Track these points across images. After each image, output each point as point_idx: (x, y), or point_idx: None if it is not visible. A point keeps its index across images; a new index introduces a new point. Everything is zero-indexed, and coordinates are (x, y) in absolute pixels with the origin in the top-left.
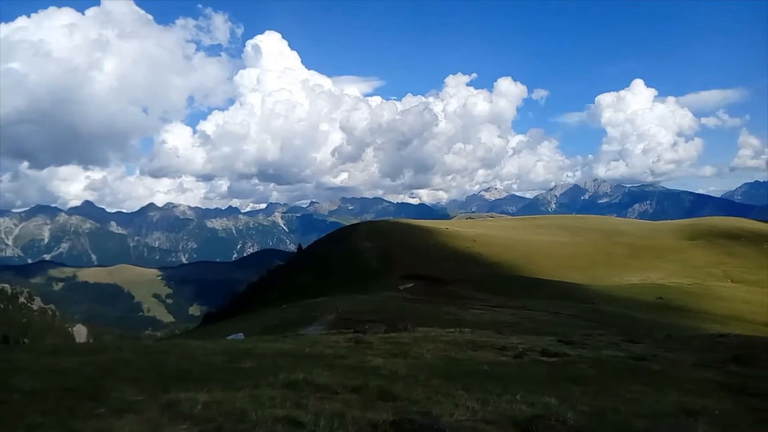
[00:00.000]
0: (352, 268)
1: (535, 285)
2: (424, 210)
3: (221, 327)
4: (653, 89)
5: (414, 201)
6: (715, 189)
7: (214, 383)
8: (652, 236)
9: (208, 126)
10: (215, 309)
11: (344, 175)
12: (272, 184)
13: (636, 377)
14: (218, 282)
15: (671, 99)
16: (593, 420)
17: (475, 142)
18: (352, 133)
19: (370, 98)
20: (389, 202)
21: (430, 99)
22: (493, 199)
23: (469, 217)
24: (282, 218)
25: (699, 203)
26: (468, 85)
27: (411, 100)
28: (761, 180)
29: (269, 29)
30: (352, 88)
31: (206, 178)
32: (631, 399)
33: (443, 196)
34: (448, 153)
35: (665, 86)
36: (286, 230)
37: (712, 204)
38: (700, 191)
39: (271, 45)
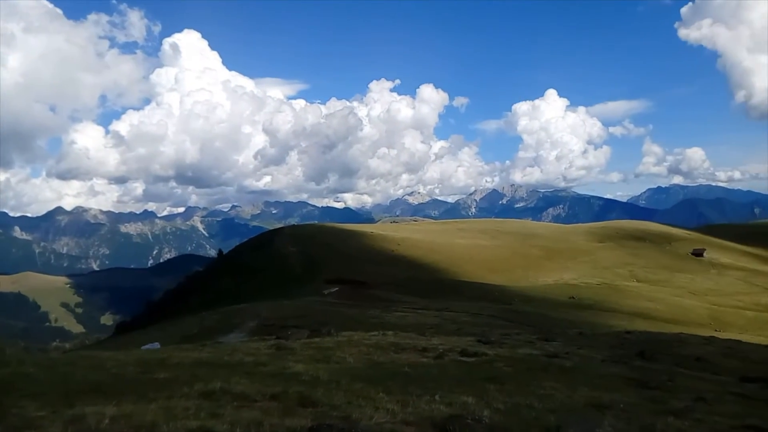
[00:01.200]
0: (275, 273)
1: (457, 287)
2: (349, 214)
3: (135, 337)
4: (565, 99)
5: (339, 205)
6: (621, 194)
7: (124, 396)
8: (564, 239)
9: (121, 126)
10: (129, 318)
11: (267, 179)
12: (191, 188)
13: (549, 374)
14: (133, 289)
15: (582, 109)
16: (508, 417)
17: (399, 147)
18: (276, 136)
19: (294, 101)
20: (314, 206)
21: (355, 103)
22: (416, 203)
23: (394, 221)
24: (201, 222)
25: (607, 207)
26: (392, 90)
27: (336, 104)
28: (663, 186)
29: (188, 28)
30: (276, 90)
31: (120, 180)
32: (544, 395)
33: (368, 200)
34: (372, 157)
35: (576, 96)
36: (206, 235)
37: (619, 208)
38: (608, 196)
39: (190, 44)
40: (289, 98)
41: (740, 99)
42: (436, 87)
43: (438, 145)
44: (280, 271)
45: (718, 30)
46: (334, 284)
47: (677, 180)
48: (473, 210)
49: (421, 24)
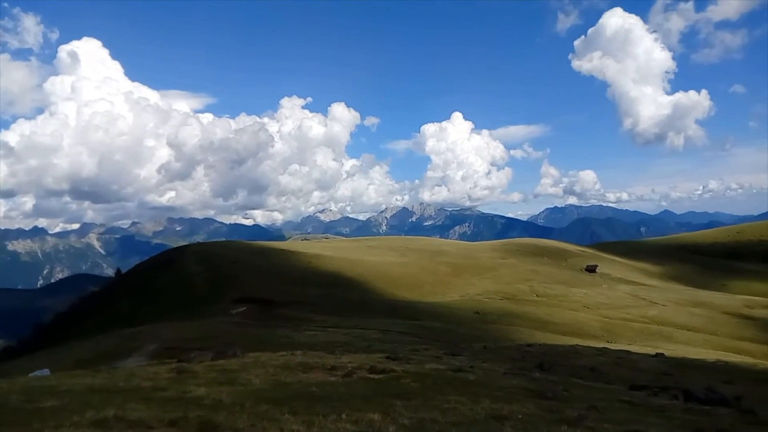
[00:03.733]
0: (179, 293)
1: (368, 304)
2: (259, 231)
3: (22, 363)
4: (470, 122)
5: (248, 222)
6: (522, 213)
7: (5, 428)
8: (470, 256)
9: (11, 136)
10: (15, 342)
11: (171, 194)
12: (87, 203)
13: (454, 388)
14: (20, 312)
15: (485, 132)
16: None
17: (310, 164)
18: (182, 150)
19: (201, 115)
20: (221, 222)
21: (266, 119)
22: (328, 220)
23: (305, 239)
24: (98, 240)
25: (509, 226)
26: (303, 107)
27: (245, 120)
28: (559, 206)
29: (88, 35)
30: (182, 103)
31: (7, 194)
32: (448, 409)
33: (278, 217)
34: (283, 174)
35: (480, 120)
36: (103, 253)
37: (519, 226)
38: (510, 215)
39: (89, 52)
40: (196, 112)
41: (627, 126)
42: (348, 106)
43: (350, 163)
44: (184, 291)
45: (608, 62)
46: (242, 304)
47: (572, 200)
48: (384, 227)
49: (334, 43)
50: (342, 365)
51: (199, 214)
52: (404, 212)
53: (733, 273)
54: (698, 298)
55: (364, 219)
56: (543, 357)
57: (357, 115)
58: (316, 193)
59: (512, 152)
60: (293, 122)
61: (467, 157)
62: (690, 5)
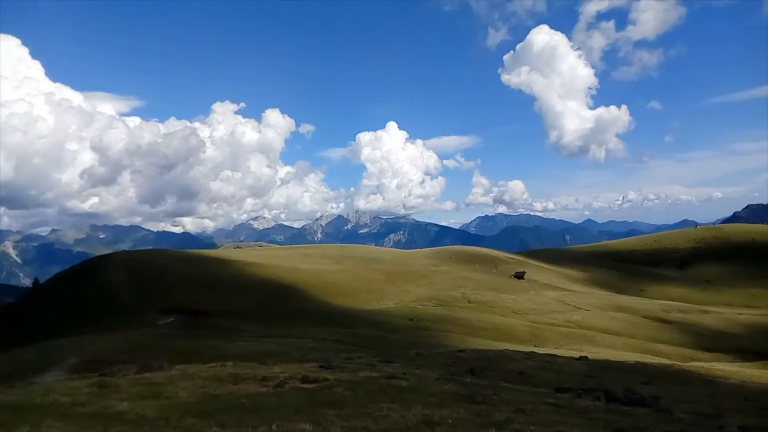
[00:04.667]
0: (102, 304)
1: (303, 313)
2: (188, 239)
3: None
4: (405, 132)
5: (177, 229)
6: (454, 221)
7: None
8: (405, 263)
9: None
10: None
11: (95, 200)
12: (3, 208)
13: (387, 395)
14: None
15: (420, 141)
16: None
17: (243, 171)
18: (106, 154)
19: (128, 118)
20: (148, 230)
21: (197, 124)
22: (261, 228)
23: (237, 247)
24: (14, 248)
25: (442, 234)
26: (237, 113)
27: (175, 124)
28: (490, 214)
29: (6, 33)
30: (107, 105)
31: None
32: (381, 416)
33: (209, 225)
34: (215, 180)
35: (415, 130)
36: (19, 262)
37: (452, 234)
38: (443, 223)
39: (7, 50)
40: (123, 115)
41: (553, 139)
42: (283, 112)
43: (284, 170)
44: (108, 301)
45: (535, 77)
46: (170, 314)
47: (502, 209)
48: (319, 235)
49: (268, 49)
50: (274, 375)
51: (124, 221)
52: (340, 220)
53: (650, 279)
54: (619, 303)
55: (299, 227)
56: (474, 362)
57: (292, 121)
58: (249, 200)
59: (445, 162)
60: (226, 127)
61: (402, 166)
62: (611, 24)
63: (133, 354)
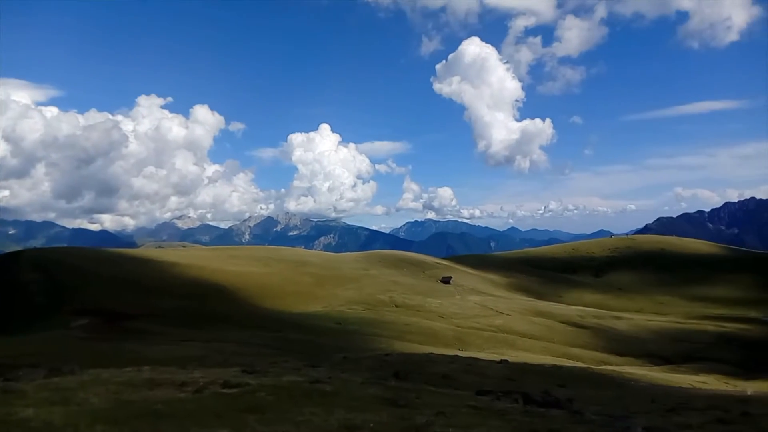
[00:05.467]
0: (11, 304)
1: (228, 316)
2: (107, 237)
3: None
4: (338, 134)
5: (94, 227)
6: (385, 226)
7: None
8: (334, 267)
9: None
10: None
11: (5, 193)
12: None
13: (310, 399)
14: None
15: (352, 145)
16: None
17: (168, 168)
18: (19, 145)
19: (44, 107)
20: (63, 227)
21: (120, 117)
22: (186, 227)
23: (159, 246)
24: None
25: (372, 238)
26: (163, 107)
27: (96, 116)
28: (419, 220)
29: None
30: (22, 93)
31: None
32: (302, 421)
33: (130, 223)
34: (137, 176)
35: (348, 133)
36: None
37: (382, 239)
38: (374, 227)
39: None
40: (39, 104)
41: (481, 148)
42: (212, 109)
43: (212, 169)
44: (17, 301)
45: (465, 87)
46: (85, 316)
47: (431, 215)
48: (247, 237)
49: (199, 43)
50: (193, 380)
51: (37, 217)
52: (269, 221)
53: (568, 285)
54: (538, 308)
55: (226, 227)
56: (399, 366)
57: (221, 119)
58: (173, 199)
59: (377, 167)
60: (151, 122)
61: (334, 169)
62: (538, 40)
63: (41, 358)
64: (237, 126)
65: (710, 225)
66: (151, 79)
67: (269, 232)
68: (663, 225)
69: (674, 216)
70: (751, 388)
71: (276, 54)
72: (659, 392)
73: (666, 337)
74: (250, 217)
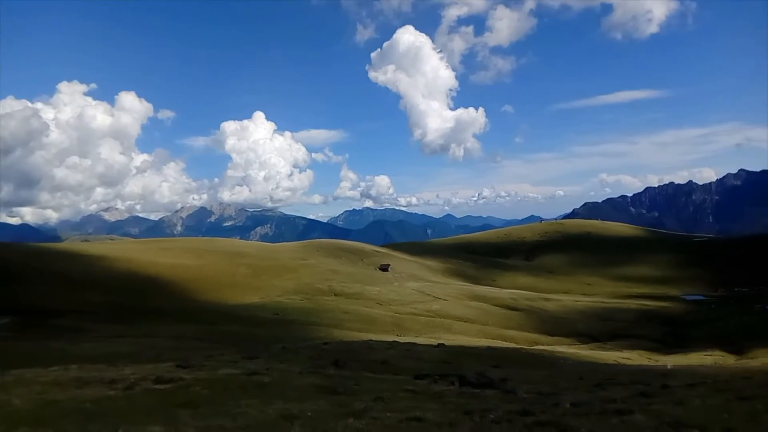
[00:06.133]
0: None
1: (161, 310)
2: (28, 231)
3: None
4: (273, 123)
5: (14, 220)
6: (322, 215)
7: None
8: (271, 257)
9: None
10: None
11: None
12: None
13: (247, 392)
14: None
15: (288, 134)
16: None
17: (93, 157)
18: None
19: None
20: None
21: (39, 105)
22: (113, 220)
23: (85, 240)
24: None
25: (310, 227)
26: (86, 94)
27: (13, 104)
28: (357, 208)
29: None
30: None
31: None
32: (239, 413)
33: (53, 216)
34: (60, 167)
35: (283, 122)
36: None
37: (320, 228)
38: (311, 217)
39: None
40: None
41: (417, 136)
42: (139, 96)
43: (140, 158)
44: None
45: (400, 76)
46: (6, 315)
47: (368, 203)
48: (179, 228)
49: (123, 26)
50: (124, 377)
51: None
52: (202, 212)
53: (501, 269)
54: (473, 292)
55: (157, 219)
56: (338, 354)
57: (149, 106)
58: (99, 190)
59: (314, 155)
60: (73, 110)
61: (269, 158)
62: (470, 29)
63: None
64: (166, 114)
65: (632, 209)
66: (73, 64)
67: (203, 223)
68: (589, 210)
69: (599, 201)
70: (670, 362)
71: (207, 39)
72: (586, 369)
73: (593, 317)
74: (182, 207)
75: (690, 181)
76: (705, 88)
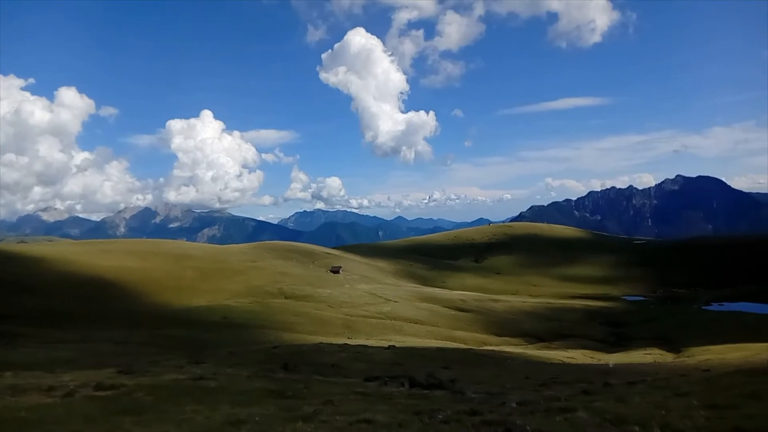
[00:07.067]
0: None
1: (102, 314)
2: None
3: None
4: (221, 122)
5: None
6: (273, 216)
7: None
8: (219, 259)
9: None
10: None
11: None
12: None
13: (193, 397)
14: None
15: (237, 133)
16: None
17: (31, 155)
18: None
19: None
20: None
21: None
22: (52, 220)
23: (22, 241)
24: None
25: (260, 229)
26: (23, 89)
27: None
28: (308, 210)
29: None
30: None
31: None
32: (184, 420)
33: None
34: None
35: (232, 121)
36: None
37: (270, 230)
38: (261, 218)
39: None
40: None
41: (369, 139)
42: (81, 92)
43: (81, 156)
44: None
45: (352, 78)
46: None
47: (319, 205)
48: (123, 229)
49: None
50: (62, 384)
51: None
52: (147, 213)
53: (451, 271)
54: (424, 294)
55: (98, 219)
56: (288, 357)
57: (91, 102)
58: (37, 189)
59: (264, 156)
60: (10, 105)
61: (218, 158)
62: (420, 33)
63: None
64: (109, 111)
65: (576, 212)
66: (9, 57)
67: (147, 224)
68: (535, 213)
69: (545, 204)
70: (612, 361)
71: (153, 35)
72: (533, 369)
73: (539, 317)
74: (125, 208)
75: (630, 186)
76: (644, 96)
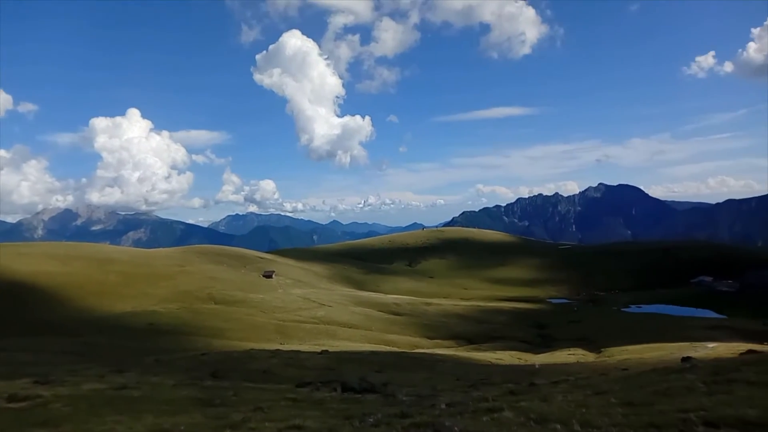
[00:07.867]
0: None
1: (16, 321)
2: None
3: None
4: (149, 121)
5: None
6: (203, 219)
7: None
8: (145, 264)
9: None
10: None
11: None
12: None
13: (114, 408)
14: None
15: (166, 133)
16: None
17: None
18: None
19: None
20: None
21: None
22: None
23: None
24: None
25: (189, 232)
26: None
27: None
28: (241, 213)
29: None
30: None
31: None
32: (105, 431)
33: None
34: None
35: (161, 120)
36: None
37: (200, 233)
38: (190, 221)
39: None
40: None
41: (304, 142)
42: None
43: None
44: None
45: (287, 80)
46: None
47: (252, 208)
48: (40, 232)
49: None
50: None
51: None
52: (67, 214)
53: (385, 275)
54: (358, 298)
55: (14, 221)
56: (217, 364)
57: (8, 98)
58: None
59: (194, 157)
60: None
61: (145, 158)
62: (356, 38)
63: None
64: (27, 107)
65: (506, 218)
66: None
67: (67, 226)
68: (467, 218)
69: (476, 210)
70: (538, 361)
71: (77, 27)
72: (463, 371)
73: (469, 320)
74: (43, 209)
75: (556, 193)
76: (570, 107)
